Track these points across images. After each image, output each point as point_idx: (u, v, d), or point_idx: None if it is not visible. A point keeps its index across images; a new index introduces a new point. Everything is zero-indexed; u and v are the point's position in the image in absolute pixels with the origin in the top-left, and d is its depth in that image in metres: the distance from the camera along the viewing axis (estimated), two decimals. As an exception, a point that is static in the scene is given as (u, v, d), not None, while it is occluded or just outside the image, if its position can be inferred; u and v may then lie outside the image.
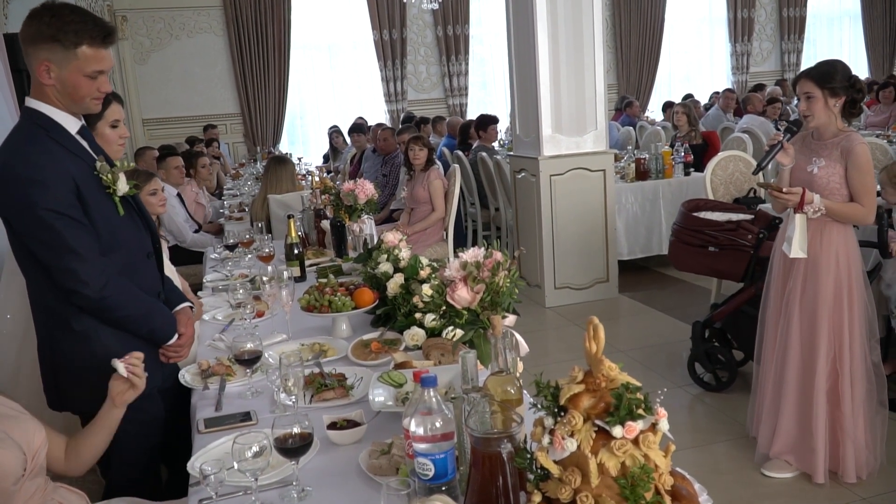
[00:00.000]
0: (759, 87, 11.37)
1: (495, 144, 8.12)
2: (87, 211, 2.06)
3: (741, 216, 4.03)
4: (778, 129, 8.97)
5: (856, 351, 3.06)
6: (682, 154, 6.60)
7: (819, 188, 3.01)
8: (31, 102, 2.09)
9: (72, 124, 2.12)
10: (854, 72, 3.10)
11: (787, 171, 3.09)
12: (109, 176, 2.11)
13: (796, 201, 2.95)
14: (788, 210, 3.03)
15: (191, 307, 2.46)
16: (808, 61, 13.78)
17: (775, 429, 3.20)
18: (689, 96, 11.28)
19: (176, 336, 2.29)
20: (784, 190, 2.98)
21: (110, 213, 2.13)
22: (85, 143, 2.16)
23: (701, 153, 6.82)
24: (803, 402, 3.11)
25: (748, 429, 3.47)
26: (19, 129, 2.10)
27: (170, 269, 2.73)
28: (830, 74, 2.97)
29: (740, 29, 13.31)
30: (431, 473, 1.45)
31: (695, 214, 4.10)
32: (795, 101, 11.51)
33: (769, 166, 3.14)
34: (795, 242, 2.99)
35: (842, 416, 3.06)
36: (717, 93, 11.32)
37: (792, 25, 13.64)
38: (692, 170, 6.56)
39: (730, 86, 13.08)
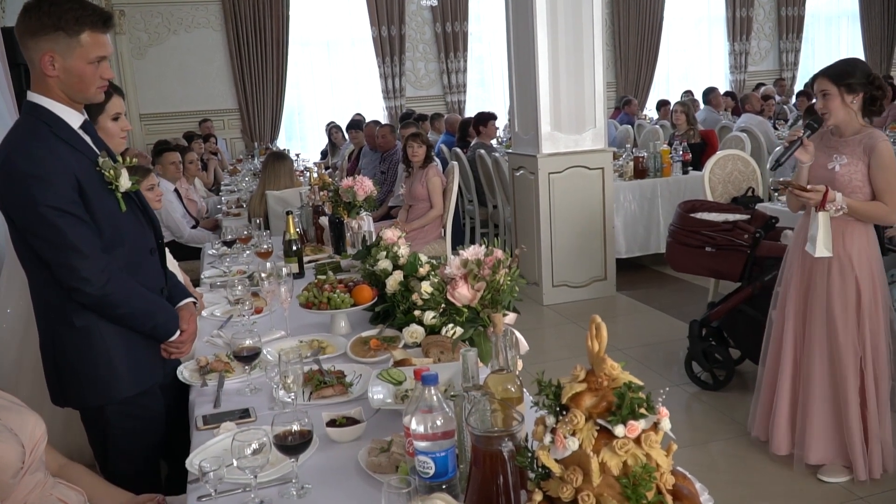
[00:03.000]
0: (760, 87, 11.41)
1: (493, 142, 8.11)
2: (90, 207, 2.05)
3: (737, 216, 4.04)
4: (776, 129, 8.96)
5: (881, 350, 3.04)
6: (681, 153, 6.61)
7: (840, 186, 2.97)
8: (33, 97, 2.08)
9: (74, 119, 2.11)
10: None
11: (805, 168, 3.06)
12: (112, 172, 2.10)
13: (818, 200, 2.92)
14: (811, 210, 2.99)
15: (194, 303, 2.45)
16: (805, 61, 13.81)
17: (806, 433, 3.15)
18: (688, 93, 11.28)
19: (178, 332, 2.28)
20: (809, 187, 2.95)
21: (113, 209, 2.12)
22: (87, 138, 2.15)
23: (699, 152, 6.83)
24: (835, 404, 3.08)
25: (749, 427, 3.46)
26: (21, 124, 2.09)
27: (172, 265, 2.73)
28: (847, 71, 2.96)
29: (738, 28, 13.32)
30: (432, 472, 1.45)
31: (691, 215, 4.10)
32: (793, 101, 11.53)
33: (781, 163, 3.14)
34: (819, 242, 2.95)
35: (868, 415, 3.05)
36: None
37: (790, 25, 13.65)
38: (690, 168, 6.56)
39: (728, 85, 13.12)
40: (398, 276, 2.69)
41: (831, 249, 2.97)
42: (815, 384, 3.11)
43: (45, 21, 1.99)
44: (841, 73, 2.96)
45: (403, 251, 2.85)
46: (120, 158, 2.20)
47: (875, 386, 3.05)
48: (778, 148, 3.18)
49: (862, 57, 13.75)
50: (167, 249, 2.56)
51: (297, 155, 9.77)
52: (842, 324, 3.02)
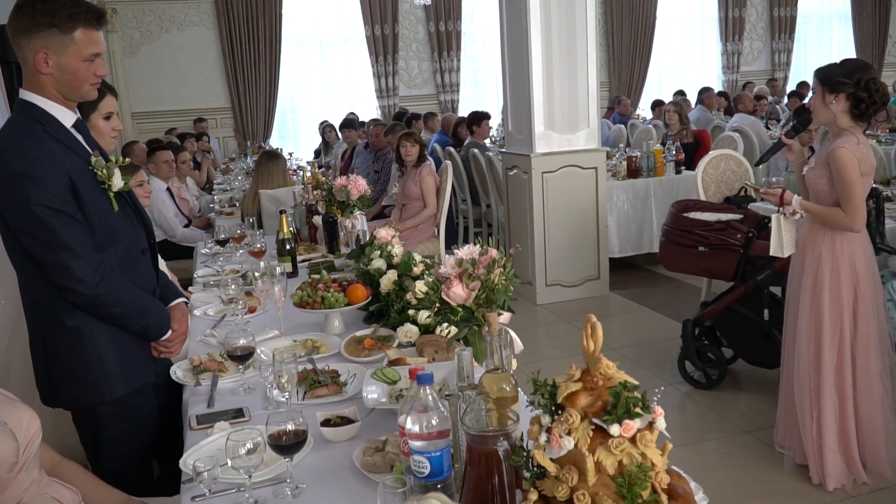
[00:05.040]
0: (747, 86, 11.49)
1: (487, 141, 8.11)
2: (82, 206, 2.04)
3: (730, 216, 4.05)
4: (768, 129, 8.98)
5: (869, 354, 2.98)
6: (674, 152, 6.63)
7: (810, 189, 3.00)
8: (26, 95, 2.07)
9: (67, 118, 2.11)
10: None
11: (797, 167, 3.08)
12: (104, 171, 2.09)
13: (774, 202, 2.96)
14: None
15: (186, 303, 2.45)
16: (797, 61, 13.89)
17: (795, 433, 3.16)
18: (680, 92, 11.30)
19: (169, 331, 2.27)
20: (762, 191, 3.00)
21: (105, 208, 2.11)
22: (80, 137, 2.14)
23: (692, 151, 6.84)
24: (809, 404, 3.05)
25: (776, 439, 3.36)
26: (14, 123, 2.08)
27: (160, 265, 2.72)
28: (833, 70, 2.90)
29: (731, 28, 13.37)
30: (427, 471, 1.44)
31: (685, 215, 4.11)
32: (785, 101, 11.58)
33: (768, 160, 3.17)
34: (773, 241, 3.00)
35: (822, 422, 3.00)
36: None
37: (782, 25, 13.71)
38: (683, 168, 6.58)
39: (720, 85, 13.17)
40: (392, 275, 2.69)
41: (784, 250, 2.97)
42: (796, 384, 3.11)
43: (39, 18, 1.98)
44: (827, 72, 2.92)
45: (397, 250, 2.85)
46: (112, 158, 2.19)
47: (853, 390, 2.99)
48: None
49: (853, 57, 13.82)
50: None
51: (291, 154, 9.77)
52: (823, 325, 2.98)
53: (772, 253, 3.02)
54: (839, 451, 3.03)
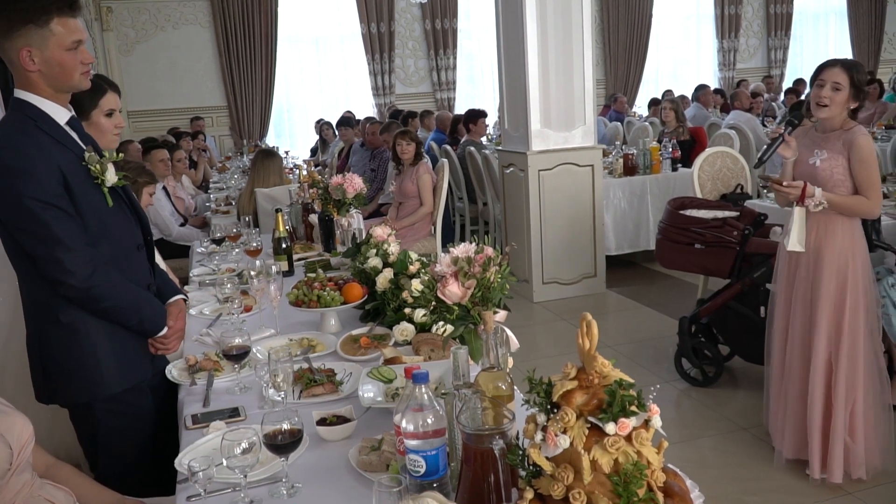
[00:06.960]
0: (741, 82, 11.50)
1: (483, 139, 8.11)
2: (75, 201, 2.05)
3: (727, 213, 4.06)
4: (765, 126, 8.98)
5: (859, 350, 3.00)
6: (670, 150, 6.63)
7: (822, 181, 2.98)
8: (20, 94, 2.08)
9: (61, 115, 2.11)
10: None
11: (790, 163, 3.08)
12: (98, 167, 2.10)
13: (797, 195, 2.94)
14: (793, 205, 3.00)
15: (184, 300, 2.44)
16: (794, 58, 13.90)
17: (784, 427, 3.17)
18: (668, 92, 11.30)
19: (165, 328, 2.27)
20: (785, 183, 2.97)
21: (99, 203, 2.12)
22: (74, 134, 2.15)
23: (688, 149, 6.84)
24: (803, 398, 3.07)
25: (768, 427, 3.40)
26: (8, 120, 2.10)
27: (160, 264, 2.71)
28: (861, 75, 2.97)
29: (727, 25, 13.37)
30: (423, 470, 1.44)
31: (681, 212, 4.11)
32: (781, 98, 11.59)
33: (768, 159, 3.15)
34: (793, 235, 2.98)
35: (834, 414, 3.02)
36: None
37: (778, 22, 13.72)
38: (680, 165, 6.58)
39: (717, 82, 13.18)
40: (388, 273, 2.68)
41: (804, 245, 2.98)
42: (793, 379, 3.12)
43: (13, 17, 1.98)
44: (859, 76, 2.96)
45: (393, 249, 2.85)
46: (107, 153, 2.19)
47: (847, 386, 3.00)
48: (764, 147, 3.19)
49: (849, 55, 13.87)
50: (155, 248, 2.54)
51: (287, 152, 9.75)
52: (819, 320, 3.01)
53: (789, 248, 3.00)
54: (836, 446, 3.03)
